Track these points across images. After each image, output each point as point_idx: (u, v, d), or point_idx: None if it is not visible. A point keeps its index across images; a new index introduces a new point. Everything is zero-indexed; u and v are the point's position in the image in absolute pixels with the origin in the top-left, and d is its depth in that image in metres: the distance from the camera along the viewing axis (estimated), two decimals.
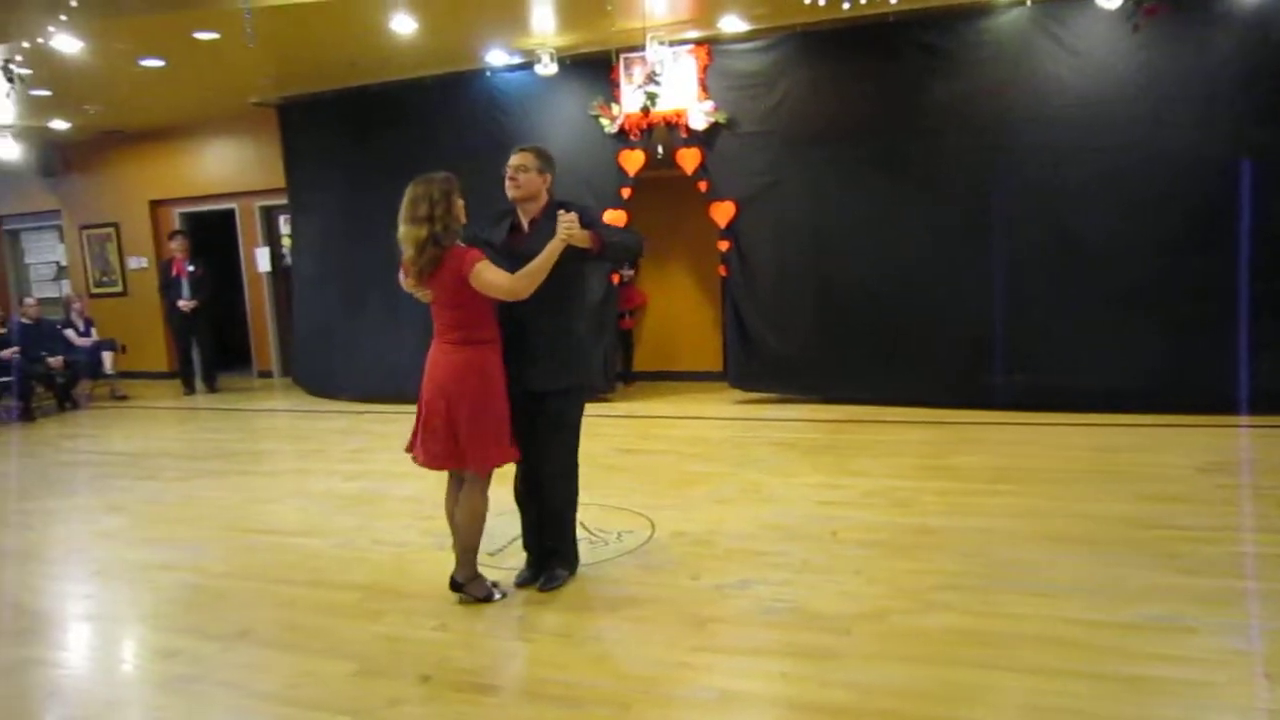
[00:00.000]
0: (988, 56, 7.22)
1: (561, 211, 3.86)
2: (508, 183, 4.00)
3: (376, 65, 8.56)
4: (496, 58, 8.45)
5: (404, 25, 7.16)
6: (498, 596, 4.06)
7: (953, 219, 7.39)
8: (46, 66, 7.49)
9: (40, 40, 6.69)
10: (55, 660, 3.97)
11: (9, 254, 13.70)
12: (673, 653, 3.51)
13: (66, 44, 6.75)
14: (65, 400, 10.47)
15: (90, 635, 4.12)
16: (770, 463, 6.25)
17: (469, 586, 4.03)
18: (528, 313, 3.90)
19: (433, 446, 3.88)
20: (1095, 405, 6.95)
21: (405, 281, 3.88)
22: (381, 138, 9.21)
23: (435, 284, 3.81)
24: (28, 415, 9.91)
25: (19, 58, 7.12)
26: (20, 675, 3.79)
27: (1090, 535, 4.51)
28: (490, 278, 3.78)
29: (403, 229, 3.80)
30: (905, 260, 7.54)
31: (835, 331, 7.85)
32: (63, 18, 6.37)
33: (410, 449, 4.03)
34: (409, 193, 3.82)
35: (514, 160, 4.03)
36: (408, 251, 3.77)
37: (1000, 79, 7.18)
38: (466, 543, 4.02)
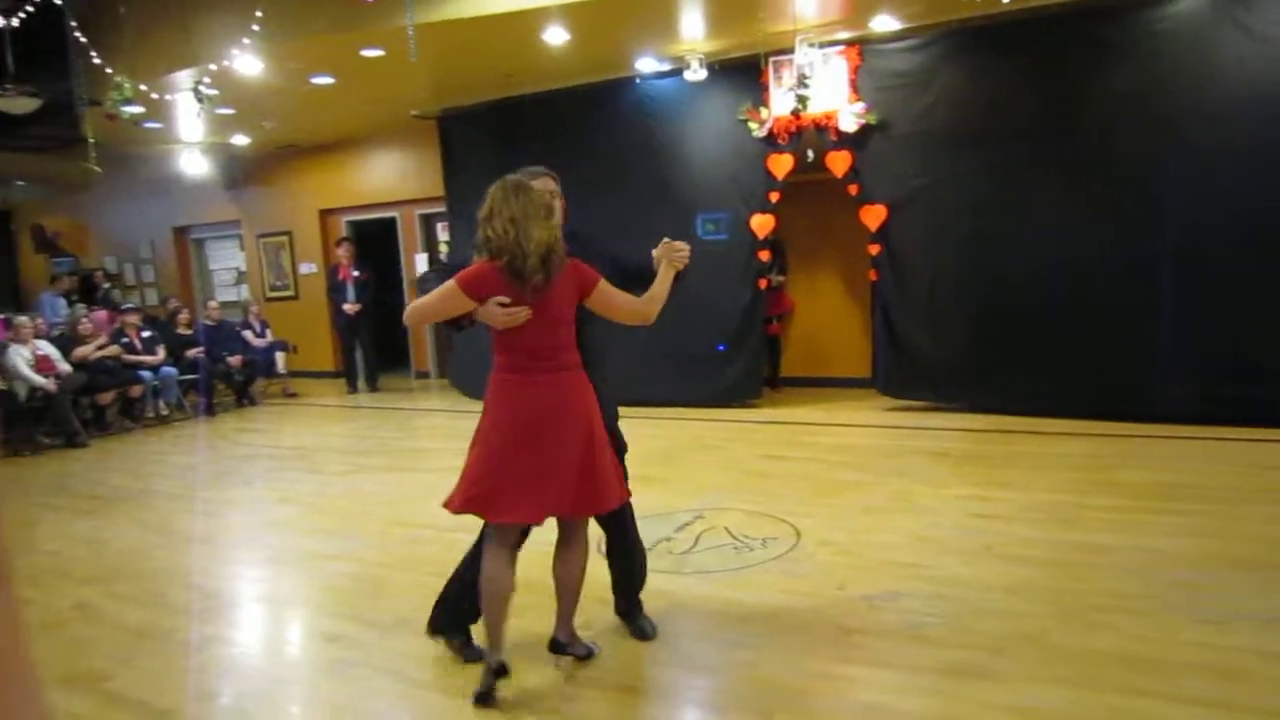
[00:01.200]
0: (1163, 48, 6.79)
1: (669, 240, 3.54)
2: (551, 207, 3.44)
3: (530, 76, 8.81)
4: (646, 65, 8.55)
5: (557, 37, 7.35)
6: (597, 651, 3.64)
7: (1120, 222, 6.98)
8: (230, 87, 8.04)
9: (225, 63, 7.19)
10: (230, 639, 4.27)
11: (195, 261, 14.80)
12: (817, 663, 3.45)
13: (248, 65, 7.23)
14: (243, 397, 11.21)
15: (262, 617, 4.39)
16: (921, 472, 6.06)
17: (573, 646, 3.59)
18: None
19: (558, 494, 3.22)
20: (1276, 419, 6.43)
21: (493, 307, 3.15)
22: (534, 146, 9.40)
23: (550, 298, 3.20)
24: (210, 410, 10.67)
25: (207, 80, 7.69)
26: (201, 651, 4.10)
27: (1267, 560, 4.19)
28: (617, 298, 3.41)
29: (526, 230, 3.13)
30: (1068, 265, 7.17)
31: (991, 338, 7.55)
32: (246, 41, 6.83)
33: (492, 505, 3.24)
34: (523, 189, 3.24)
35: (552, 185, 3.58)
36: (531, 259, 3.11)
37: (1177, 71, 6.74)
38: (577, 599, 3.57)
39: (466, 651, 3.60)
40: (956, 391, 7.80)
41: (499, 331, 3.22)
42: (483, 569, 3.31)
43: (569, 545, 3.47)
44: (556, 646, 3.56)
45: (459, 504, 3.25)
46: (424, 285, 3.36)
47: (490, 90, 9.40)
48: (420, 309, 3.27)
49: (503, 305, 3.15)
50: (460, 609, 3.58)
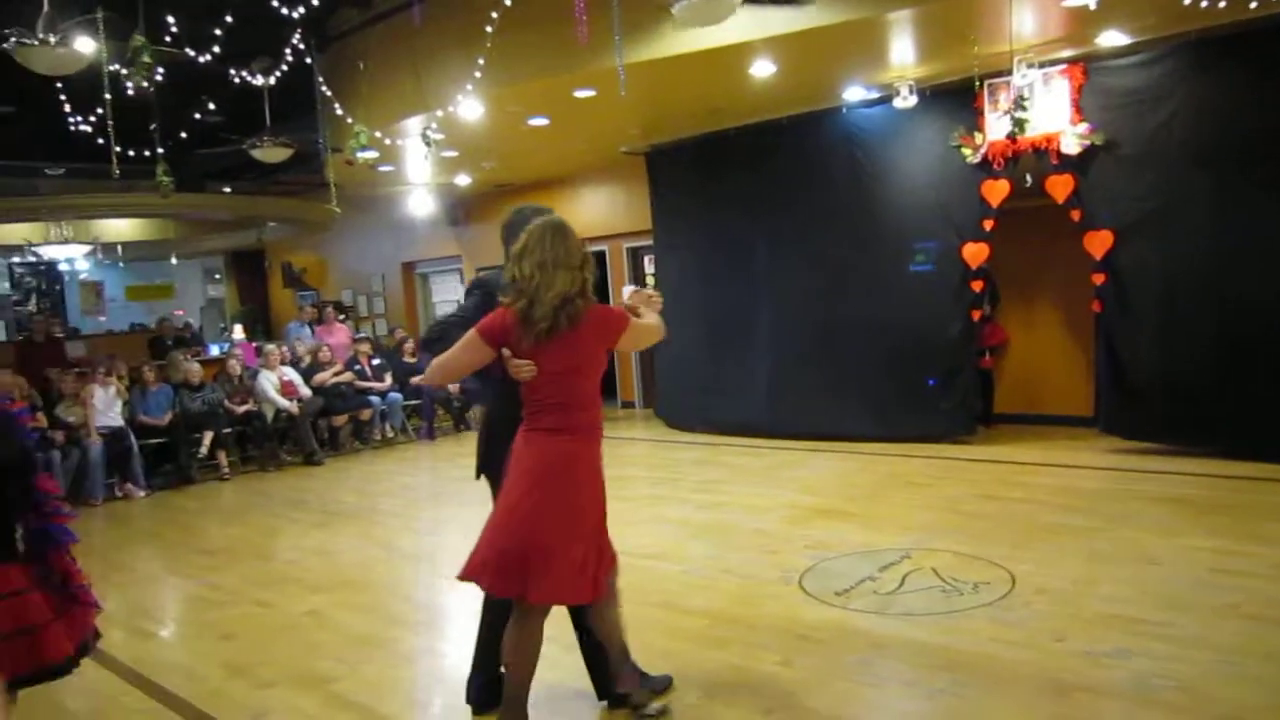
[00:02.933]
0: None
1: (637, 288, 3.49)
2: None
3: (736, 109, 8.88)
4: (854, 94, 8.42)
5: (764, 70, 7.37)
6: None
7: None
8: (454, 131, 8.57)
9: (451, 109, 7.68)
10: (442, 651, 4.50)
11: (420, 293, 15.81)
12: (1032, 719, 3.23)
13: (471, 110, 7.68)
14: (460, 423, 11.83)
15: (471, 631, 4.55)
16: (1153, 520, 5.57)
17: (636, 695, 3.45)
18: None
19: (576, 578, 3.09)
20: None
21: (506, 358, 3.07)
22: (740, 179, 9.52)
23: (561, 347, 3.03)
24: (431, 434, 11.32)
25: (434, 125, 8.23)
26: (417, 661, 4.35)
27: None
28: (643, 331, 3.29)
29: (550, 278, 3.00)
30: None
31: (1235, 374, 6.85)
32: (469, 87, 7.27)
33: (520, 588, 3.05)
34: (547, 231, 3.09)
35: None
36: (543, 308, 2.98)
37: None
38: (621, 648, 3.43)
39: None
40: (1196, 434, 7.13)
41: (521, 384, 3.10)
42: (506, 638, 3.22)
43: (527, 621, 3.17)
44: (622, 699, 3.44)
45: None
46: (439, 331, 3.31)
47: (696, 125, 9.54)
48: (444, 366, 3.14)
49: (507, 356, 3.07)
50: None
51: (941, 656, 3.81)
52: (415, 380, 2.84)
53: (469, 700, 3.59)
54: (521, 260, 3.05)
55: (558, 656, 3.91)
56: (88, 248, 13.87)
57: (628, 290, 3.50)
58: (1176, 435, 7.24)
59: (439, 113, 7.96)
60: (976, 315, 8.23)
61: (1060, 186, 7.52)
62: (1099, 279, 7.50)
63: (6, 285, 16.96)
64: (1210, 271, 6.97)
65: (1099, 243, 7.41)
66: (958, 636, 4.01)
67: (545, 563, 3.00)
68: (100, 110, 7.33)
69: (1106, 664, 3.62)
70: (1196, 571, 4.60)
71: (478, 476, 3.54)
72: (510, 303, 3.07)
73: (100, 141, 7.60)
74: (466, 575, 3.11)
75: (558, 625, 3.72)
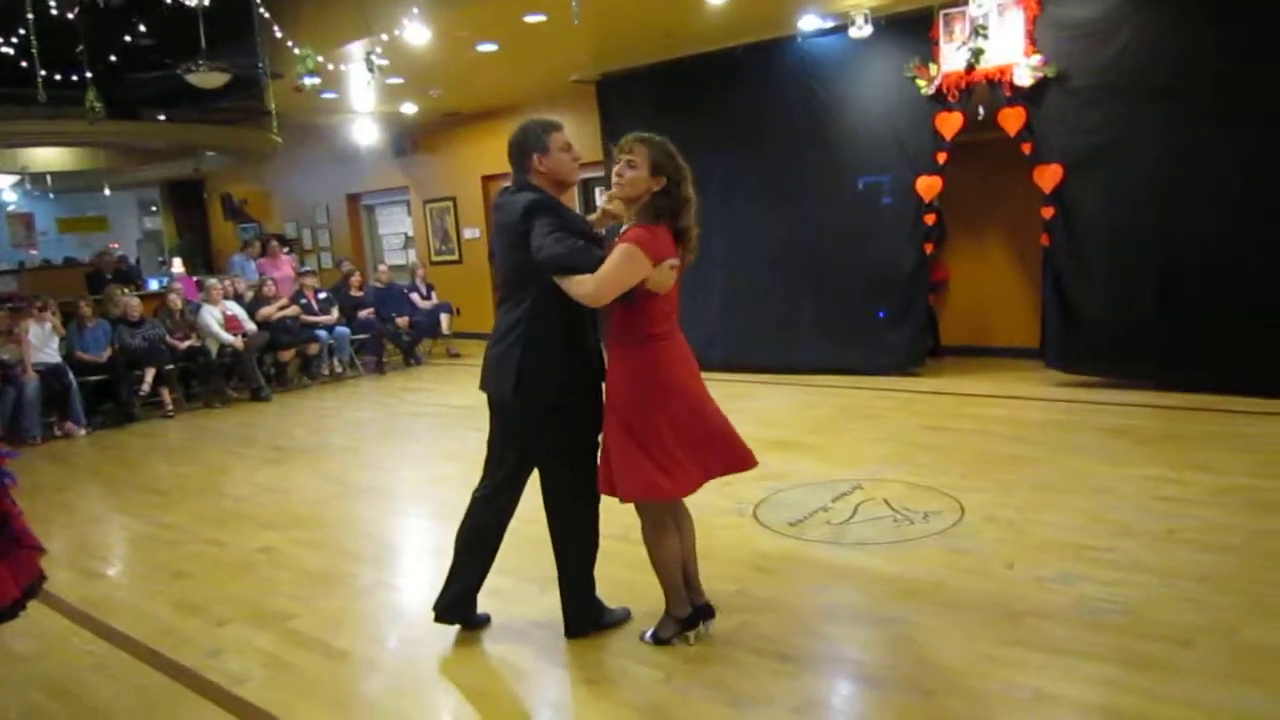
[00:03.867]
0: None
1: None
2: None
3: (689, 37, 8.71)
4: (809, 23, 8.29)
5: None
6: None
7: None
8: (400, 57, 8.30)
9: (396, 33, 7.42)
10: (398, 585, 4.50)
11: (366, 226, 15.49)
12: (982, 645, 3.31)
13: (417, 35, 7.43)
14: (410, 357, 11.71)
15: (427, 567, 4.56)
16: (1098, 450, 5.71)
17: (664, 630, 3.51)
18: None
19: (724, 450, 3.42)
20: None
21: (667, 270, 3.16)
22: (692, 109, 9.37)
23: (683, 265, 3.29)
24: (380, 369, 11.19)
25: (379, 50, 7.96)
26: (374, 595, 4.33)
27: None
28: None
29: (687, 190, 3.28)
30: (1265, 227, 6.55)
31: (1181, 309, 6.97)
32: (415, 10, 7.02)
33: (702, 475, 3.33)
34: (677, 154, 3.33)
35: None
36: (688, 218, 3.27)
37: None
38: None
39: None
40: (1139, 367, 7.28)
41: (649, 299, 3.15)
42: (668, 545, 3.38)
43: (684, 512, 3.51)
44: (708, 612, 3.53)
45: (651, 491, 3.23)
46: (579, 246, 3.17)
47: (648, 53, 9.35)
48: (606, 283, 3.07)
49: (674, 266, 3.18)
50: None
51: (894, 585, 3.89)
52: (582, 296, 2.69)
53: (435, 608, 3.62)
54: (685, 183, 3.26)
55: (517, 590, 3.93)
56: (15, 178, 13.34)
57: (602, 196, 3.46)
58: (1119, 368, 7.39)
59: (384, 37, 7.69)
60: (929, 249, 8.27)
61: (1012, 119, 7.52)
62: (1048, 212, 7.56)
63: None
64: (1157, 206, 7.05)
65: (1049, 176, 7.45)
66: (910, 565, 4.09)
67: (730, 435, 3.38)
68: (23, 31, 6.97)
69: (1053, 589, 3.72)
70: (1139, 499, 4.73)
71: (512, 394, 3.32)
72: (656, 216, 3.19)
73: (24, 65, 7.24)
74: (696, 484, 3.30)
75: (516, 560, 3.73)
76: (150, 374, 9.24)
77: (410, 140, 13.61)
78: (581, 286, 3.09)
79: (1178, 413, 6.51)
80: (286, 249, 13.77)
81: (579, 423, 3.37)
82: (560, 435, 3.37)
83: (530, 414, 3.35)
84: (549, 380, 3.30)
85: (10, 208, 16.64)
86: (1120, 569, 3.87)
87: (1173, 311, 7.01)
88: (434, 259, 13.91)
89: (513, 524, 3.62)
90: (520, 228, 3.22)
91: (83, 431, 8.70)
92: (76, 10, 6.38)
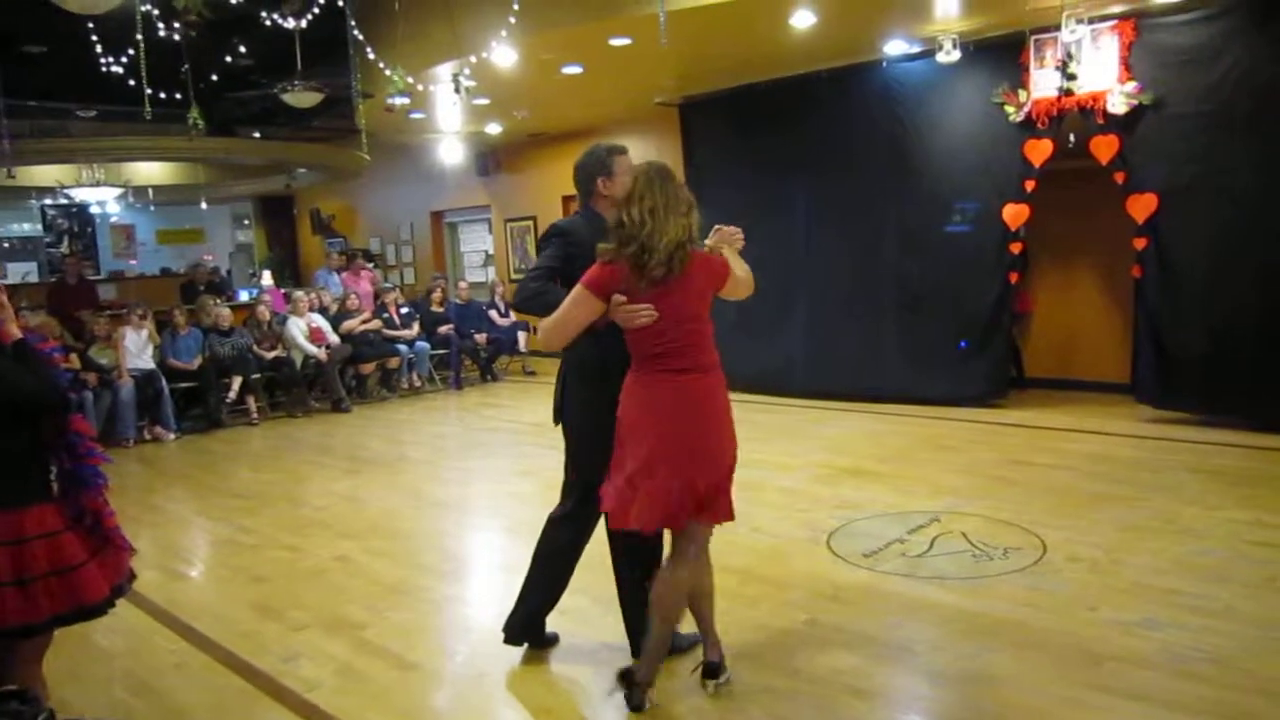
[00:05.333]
0: None
1: (720, 226, 3.39)
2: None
3: (773, 61, 8.70)
4: (895, 47, 8.22)
5: (805, 20, 7.20)
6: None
7: None
8: (487, 78, 8.45)
9: (484, 55, 7.57)
10: (470, 599, 4.54)
11: (448, 243, 15.77)
12: (1063, 687, 3.20)
13: (504, 57, 7.56)
14: (487, 373, 11.86)
15: (499, 583, 4.58)
16: (1189, 491, 5.48)
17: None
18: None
19: (686, 502, 3.06)
20: None
21: (616, 305, 3.02)
22: (775, 133, 9.35)
23: (674, 293, 3.02)
24: (458, 384, 11.36)
25: (467, 71, 8.12)
26: (446, 608, 4.38)
27: None
28: (741, 275, 3.29)
29: (663, 223, 3.00)
30: None
31: (1277, 346, 6.70)
32: (503, 33, 7.15)
33: (638, 515, 3.05)
34: (654, 175, 3.11)
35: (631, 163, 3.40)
36: (657, 254, 2.96)
37: None
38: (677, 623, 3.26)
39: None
40: (1233, 403, 6.99)
41: (630, 331, 3.07)
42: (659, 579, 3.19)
43: (688, 559, 3.19)
44: (633, 680, 3.22)
45: (609, 508, 3.15)
46: (533, 290, 3.17)
47: (732, 77, 9.37)
48: (555, 327, 3.05)
49: (620, 303, 3.01)
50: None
51: (971, 622, 3.78)
52: (540, 343, 2.71)
53: (505, 630, 3.62)
54: (631, 206, 3.03)
55: (587, 610, 3.92)
56: (119, 190, 13.90)
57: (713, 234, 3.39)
58: (1213, 405, 7.10)
59: (472, 59, 7.85)
60: (1014, 278, 8.08)
61: (1105, 147, 7.32)
62: (1140, 243, 7.33)
63: (39, 227, 17.05)
64: (1255, 238, 6.79)
65: (1142, 206, 7.23)
66: (988, 602, 3.97)
67: (718, 487, 3.12)
68: (131, 51, 7.29)
69: (1139, 634, 3.57)
70: (1232, 543, 4.53)
71: (556, 423, 3.52)
72: (615, 250, 3.02)
73: (131, 83, 7.56)
74: (630, 524, 3.06)
75: (588, 580, 3.73)
76: (237, 382, 9.52)
77: (494, 160, 13.84)
78: (538, 335, 3.15)
79: (1274, 454, 6.23)
80: (371, 264, 14.09)
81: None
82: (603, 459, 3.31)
83: (574, 440, 3.45)
84: (587, 407, 3.34)
85: (114, 219, 17.35)
86: (1210, 616, 3.70)
87: (1271, 347, 6.72)
88: (513, 277, 14.08)
89: (590, 545, 3.61)
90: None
91: (172, 436, 8.99)
92: (185, 32, 6.66)
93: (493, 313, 12.05)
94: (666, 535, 3.26)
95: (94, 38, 7.77)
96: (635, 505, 3.04)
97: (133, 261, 17.69)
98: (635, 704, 3.17)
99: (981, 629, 3.71)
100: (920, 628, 3.79)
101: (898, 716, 3.20)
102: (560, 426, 3.52)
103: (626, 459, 3.09)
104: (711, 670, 3.32)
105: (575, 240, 3.24)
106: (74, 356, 8.47)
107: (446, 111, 10.41)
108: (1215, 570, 4.18)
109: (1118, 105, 7.18)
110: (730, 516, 3.20)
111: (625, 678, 3.23)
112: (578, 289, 3.05)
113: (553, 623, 3.72)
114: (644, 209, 3.00)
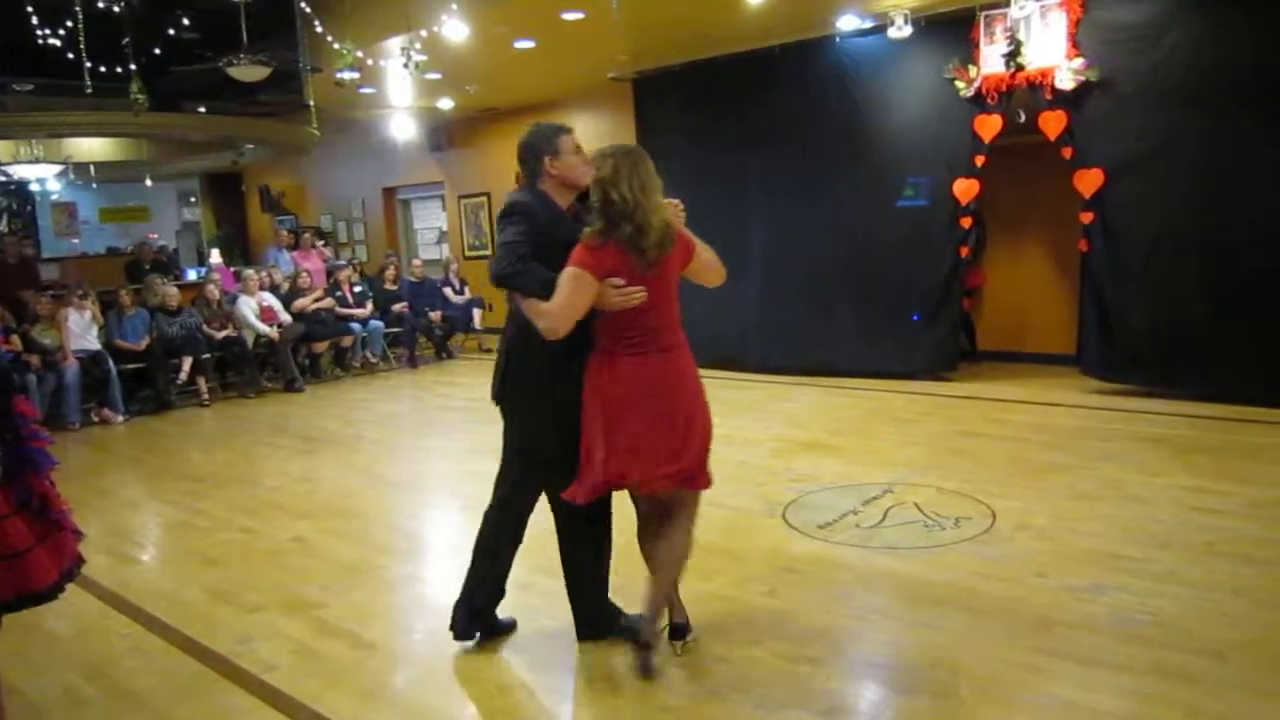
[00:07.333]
0: None
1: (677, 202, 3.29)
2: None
3: (726, 36, 8.68)
4: (847, 23, 8.24)
5: None
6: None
7: None
8: (438, 52, 8.34)
9: (435, 28, 7.46)
10: (427, 578, 4.53)
11: (401, 220, 15.59)
12: (1014, 652, 3.28)
13: (456, 31, 7.46)
14: (442, 350, 11.78)
15: (457, 561, 4.57)
16: (1133, 459, 5.62)
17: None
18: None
19: (665, 466, 3.14)
20: None
21: (608, 289, 3.02)
22: (729, 108, 9.35)
23: (663, 274, 3.09)
24: (412, 362, 11.27)
25: (418, 45, 8.00)
26: (403, 587, 4.37)
27: None
28: (711, 259, 3.30)
29: (652, 202, 3.03)
30: None
31: (1219, 317, 6.85)
32: (454, 6, 7.05)
33: (594, 483, 3.19)
34: (635, 156, 3.11)
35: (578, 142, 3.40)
36: (654, 234, 3.01)
37: None
38: (675, 581, 3.35)
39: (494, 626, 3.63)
40: (1176, 374, 7.17)
41: (613, 313, 3.06)
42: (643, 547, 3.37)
43: (667, 524, 3.29)
44: (647, 645, 3.21)
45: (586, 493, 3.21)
46: (520, 269, 3.04)
47: (685, 52, 9.34)
48: (562, 313, 2.98)
49: (616, 286, 3.01)
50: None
51: (925, 590, 3.86)
52: (541, 330, 2.65)
53: (452, 628, 3.58)
54: (619, 185, 3.01)
55: (544, 586, 3.93)
56: (59, 168, 13.52)
57: None
58: (1157, 378, 7.28)
59: (423, 33, 7.73)
60: (965, 252, 8.19)
61: (1053, 123, 7.43)
62: (1087, 218, 7.46)
63: None
64: (1199, 213, 6.94)
65: (1089, 181, 7.36)
66: (940, 571, 4.05)
67: (700, 459, 3.21)
68: (70, 23, 7.08)
69: (1086, 599, 3.67)
70: (1175, 510, 4.66)
71: (495, 401, 3.51)
72: (603, 230, 3.02)
73: (70, 56, 7.35)
74: (592, 488, 3.18)
75: (544, 559, 3.73)
76: (187, 363, 9.36)
77: (446, 135, 13.67)
78: (540, 320, 3.02)
79: (1216, 423, 6.41)
80: (322, 241, 13.89)
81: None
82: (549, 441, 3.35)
83: (517, 421, 3.46)
84: (537, 388, 3.32)
85: (54, 197, 16.89)
86: (1155, 580, 3.81)
87: (1213, 320, 6.89)
88: (467, 254, 13.97)
89: (539, 521, 3.60)
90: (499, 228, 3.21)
91: (120, 418, 8.83)
92: (125, 3, 6.48)
93: (447, 290, 11.95)
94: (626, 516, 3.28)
95: (29, 8, 7.53)
96: (631, 472, 3.13)
97: (75, 240, 17.26)
98: (649, 669, 3.20)
99: (934, 597, 3.78)
100: (874, 597, 3.86)
101: (853, 684, 3.26)
102: (500, 406, 3.47)
103: (616, 434, 3.10)
104: (678, 631, 3.41)
105: (533, 218, 3.18)
106: (15, 338, 8.27)
107: (397, 86, 10.26)
108: (1159, 536, 4.31)
109: (1065, 81, 7.27)
110: (709, 484, 3.29)
111: (644, 647, 3.19)
112: (575, 272, 3.00)
113: (510, 601, 3.71)
114: (634, 187, 3.01)
